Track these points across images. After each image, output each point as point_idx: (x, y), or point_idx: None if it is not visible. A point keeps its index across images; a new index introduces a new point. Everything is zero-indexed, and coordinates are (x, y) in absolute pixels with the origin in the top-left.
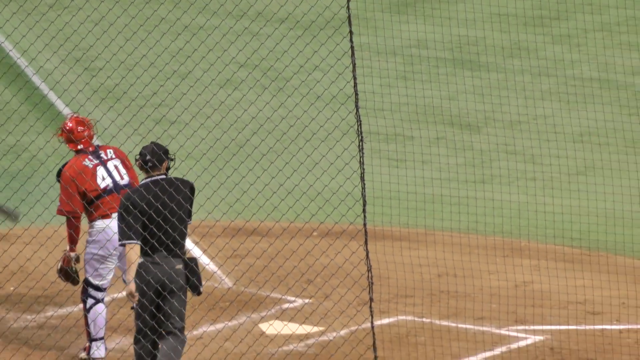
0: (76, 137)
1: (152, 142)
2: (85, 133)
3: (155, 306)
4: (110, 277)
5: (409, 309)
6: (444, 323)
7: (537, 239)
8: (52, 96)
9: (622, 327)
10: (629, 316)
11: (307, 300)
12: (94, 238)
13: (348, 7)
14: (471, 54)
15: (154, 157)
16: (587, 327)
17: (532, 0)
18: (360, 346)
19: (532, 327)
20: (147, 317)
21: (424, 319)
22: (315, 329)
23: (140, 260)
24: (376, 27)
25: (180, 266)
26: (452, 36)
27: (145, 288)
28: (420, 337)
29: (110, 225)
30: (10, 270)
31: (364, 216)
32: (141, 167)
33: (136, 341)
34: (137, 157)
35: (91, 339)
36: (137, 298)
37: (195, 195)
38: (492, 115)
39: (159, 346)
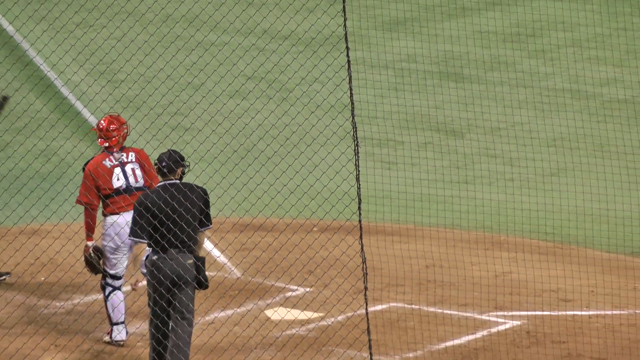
0: (105, 135)
1: (169, 149)
2: (115, 133)
3: (170, 296)
4: (124, 265)
5: (400, 297)
6: (431, 309)
7: (515, 234)
8: (78, 105)
9: (591, 312)
10: (597, 303)
11: (308, 289)
12: (104, 231)
13: (345, 25)
14: (455, 67)
15: (170, 162)
16: (560, 312)
17: (509, 19)
18: (355, 330)
19: (510, 313)
20: (164, 305)
21: (413, 306)
22: (316, 314)
23: (155, 256)
24: (370, 43)
25: (191, 261)
26: (438, 51)
27: (162, 279)
28: (409, 322)
29: (118, 220)
30: (41, 262)
31: (359, 213)
32: (158, 171)
33: (152, 325)
34: (155, 162)
35: (112, 323)
36: (137, 286)
37: (209, 199)
38: (474, 122)
39: (170, 335)
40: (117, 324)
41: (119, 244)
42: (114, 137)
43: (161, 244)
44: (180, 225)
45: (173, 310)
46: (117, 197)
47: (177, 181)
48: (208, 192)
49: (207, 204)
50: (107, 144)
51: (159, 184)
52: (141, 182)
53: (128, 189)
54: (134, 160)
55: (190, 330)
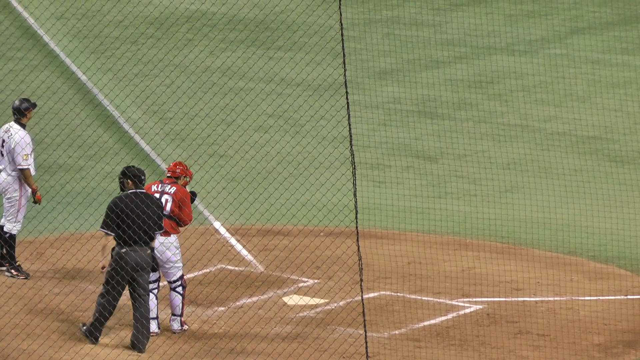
0: (168, 168)
1: (133, 167)
2: (179, 172)
3: (132, 280)
4: (156, 277)
5: (388, 286)
6: (412, 296)
7: (478, 237)
8: (136, 137)
9: (537, 299)
10: (542, 291)
11: (316, 281)
12: None
13: (344, 75)
14: (431, 107)
15: (141, 176)
16: (513, 299)
17: (473, 69)
18: (353, 312)
19: (474, 299)
20: (118, 287)
21: (398, 294)
22: (322, 300)
23: (123, 249)
24: (364, 89)
25: (149, 252)
26: (417, 95)
27: (124, 266)
28: (395, 306)
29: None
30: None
31: (356, 221)
32: (133, 182)
33: (104, 299)
34: (120, 176)
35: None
36: (105, 270)
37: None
38: (446, 150)
39: (134, 309)
40: (153, 318)
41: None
42: (173, 172)
43: (124, 239)
44: (138, 225)
45: (134, 291)
46: None
47: (142, 191)
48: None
49: (159, 211)
50: (168, 174)
51: (130, 191)
52: (168, 211)
53: None
54: (172, 193)
55: (147, 306)
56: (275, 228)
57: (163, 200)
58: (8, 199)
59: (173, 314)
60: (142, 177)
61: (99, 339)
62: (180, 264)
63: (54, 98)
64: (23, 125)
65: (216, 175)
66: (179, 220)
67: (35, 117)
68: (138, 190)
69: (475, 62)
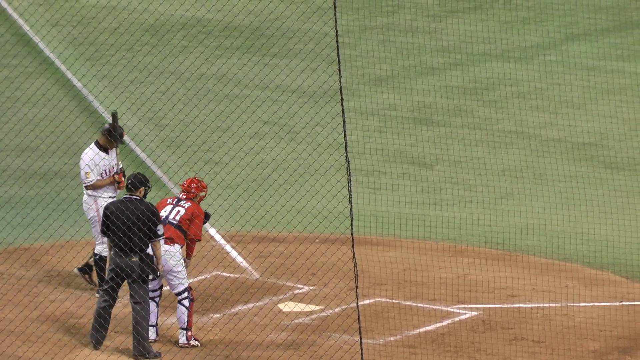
0: (186, 189)
1: (138, 173)
2: (194, 190)
3: (118, 284)
4: (152, 285)
5: (383, 293)
6: (408, 303)
7: (473, 244)
8: (132, 144)
9: (532, 305)
10: (537, 298)
11: (311, 287)
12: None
13: (340, 81)
14: (426, 114)
15: (135, 181)
16: (508, 305)
17: (468, 76)
18: (349, 319)
19: (469, 306)
20: (110, 291)
21: (394, 300)
22: (317, 307)
23: (112, 253)
24: (360, 95)
25: (135, 260)
26: (412, 102)
27: (110, 272)
28: (391, 313)
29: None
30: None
31: (351, 228)
32: (126, 187)
33: (101, 302)
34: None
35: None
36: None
37: (153, 215)
38: (441, 157)
39: (132, 310)
40: (152, 325)
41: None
42: (187, 189)
43: (113, 243)
44: (123, 231)
45: (130, 297)
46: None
47: (135, 197)
48: (153, 210)
49: (150, 218)
50: (182, 194)
51: (124, 197)
52: (176, 220)
53: (166, 219)
54: (184, 206)
55: (140, 310)
56: (270, 235)
57: (175, 211)
58: (89, 220)
59: (180, 327)
60: (135, 183)
61: (102, 344)
62: (183, 276)
63: (49, 105)
64: (99, 146)
65: (211, 182)
66: (187, 233)
67: (30, 124)
68: (133, 197)
69: (471, 69)
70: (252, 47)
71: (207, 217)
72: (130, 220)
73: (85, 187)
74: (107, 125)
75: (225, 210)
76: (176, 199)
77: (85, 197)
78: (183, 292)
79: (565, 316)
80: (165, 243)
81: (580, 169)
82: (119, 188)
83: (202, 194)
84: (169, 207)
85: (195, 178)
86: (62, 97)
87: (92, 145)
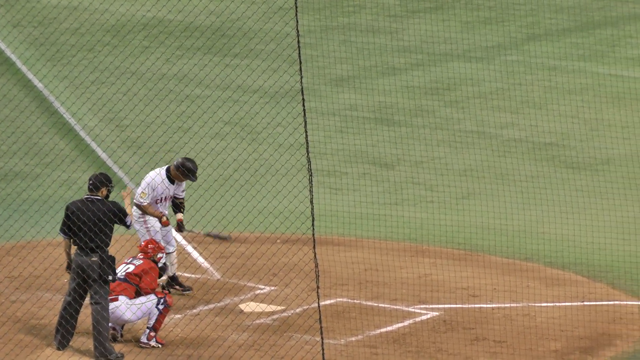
0: (140, 248)
1: (100, 173)
2: (150, 251)
3: (79, 283)
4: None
5: (345, 293)
6: (369, 303)
7: (434, 244)
8: (93, 145)
9: (493, 305)
10: (498, 298)
11: (272, 288)
12: None
13: (301, 82)
14: (387, 114)
15: (96, 182)
16: (469, 305)
17: (430, 76)
18: (310, 319)
19: (430, 306)
20: (71, 291)
21: (355, 300)
22: (279, 307)
23: (75, 253)
24: (321, 96)
25: (95, 259)
26: (374, 102)
27: (71, 272)
28: (352, 313)
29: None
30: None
31: (313, 228)
32: (88, 187)
33: (66, 299)
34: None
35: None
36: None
37: (119, 213)
38: (402, 157)
39: (91, 310)
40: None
41: None
42: (149, 253)
43: (77, 244)
44: (84, 231)
45: (90, 298)
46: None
47: (96, 197)
48: (118, 206)
49: (115, 215)
50: (141, 256)
51: (84, 196)
52: (124, 275)
53: (114, 277)
54: (135, 264)
55: (100, 311)
56: (232, 235)
57: (125, 267)
58: (137, 232)
59: (147, 326)
60: (95, 182)
61: (65, 346)
62: (144, 309)
63: (10, 106)
64: (168, 173)
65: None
66: (139, 288)
67: None
68: (94, 197)
69: (432, 69)
70: (213, 48)
71: (162, 270)
72: (91, 221)
73: (136, 204)
74: (188, 163)
75: (187, 210)
76: (132, 258)
77: (138, 227)
78: (156, 304)
79: (527, 316)
80: (111, 301)
81: (542, 169)
82: (162, 225)
83: (160, 255)
84: (121, 266)
85: (152, 239)
86: (23, 98)
87: (164, 170)
